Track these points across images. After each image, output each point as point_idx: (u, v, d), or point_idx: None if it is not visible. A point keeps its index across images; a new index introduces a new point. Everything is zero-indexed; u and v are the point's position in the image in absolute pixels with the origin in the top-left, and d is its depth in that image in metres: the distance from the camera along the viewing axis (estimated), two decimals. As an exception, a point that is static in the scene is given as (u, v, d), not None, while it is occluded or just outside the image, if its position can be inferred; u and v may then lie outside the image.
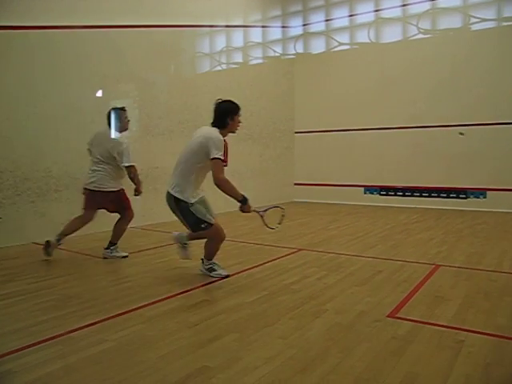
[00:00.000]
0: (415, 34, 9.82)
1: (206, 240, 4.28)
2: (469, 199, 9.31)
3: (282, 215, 4.37)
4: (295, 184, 11.58)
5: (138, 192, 5.37)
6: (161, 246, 5.91)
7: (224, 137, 4.07)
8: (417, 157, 9.77)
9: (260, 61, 10.70)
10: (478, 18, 9.12)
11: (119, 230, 5.41)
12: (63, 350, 2.72)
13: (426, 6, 9.61)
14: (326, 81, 11.00)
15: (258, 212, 4.17)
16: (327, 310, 3.38)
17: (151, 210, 7.70)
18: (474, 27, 9.22)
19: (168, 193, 4.15)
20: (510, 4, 8.81)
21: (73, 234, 5.32)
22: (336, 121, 10.80)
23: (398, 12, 9.97)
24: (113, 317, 3.27)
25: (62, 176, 6.57)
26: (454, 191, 9.47)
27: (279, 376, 2.35)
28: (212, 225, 4.12)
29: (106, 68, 7.12)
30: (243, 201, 4.00)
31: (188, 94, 8.54)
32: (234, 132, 4.23)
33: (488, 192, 9.12)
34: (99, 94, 7.17)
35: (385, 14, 10.13)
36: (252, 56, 10.42)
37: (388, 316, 3.23)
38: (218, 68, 9.55)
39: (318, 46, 11.20)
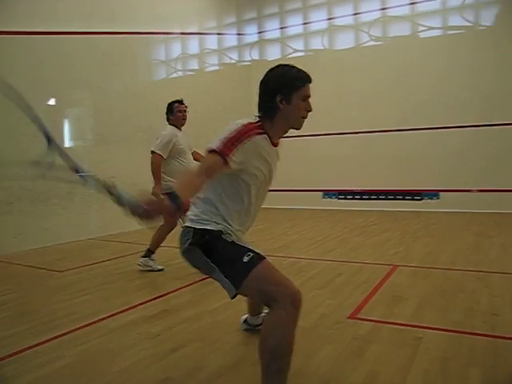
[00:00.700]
0: (367, 41, 10.10)
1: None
2: (423, 201, 9.61)
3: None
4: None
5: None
6: (119, 257, 5.78)
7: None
8: (373, 161, 10.01)
9: (216, 68, 10.71)
10: (425, 26, 9.48)
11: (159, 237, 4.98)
12: (18, 369, 2.61)
13: (377, 14, 9.90)
14: (283, 87, 11.12)
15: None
16: (289, 314, 3.39)
17: (109, 221, 7.52)
18: (422, 35, 9.57)
19: None
20: (455, 14, 9.21)
21: None
22: (293, 127, 10.93)
23: (350, 20, 10.23)
24: (71, 331, 3.17)
25: (13, 188, 6.32)
26: (409, 193, 9.75)
27: (244, 383, 2.34)
28: None
29: (58, 76, 6.93)
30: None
31: (144, 102, 8.42)
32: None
33: (441, 193, 9.45)
34: (52, 102, 6.98)
35: (338, 22, 10.36)
36: (208, 63, 10.42)
37: (349, 317, 3.29)
38: (174, 75, 9.49)
39: (273, 53, 11.32)
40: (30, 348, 2.90)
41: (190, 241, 2.21)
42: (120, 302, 3.81)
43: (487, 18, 9.01)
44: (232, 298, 2.20)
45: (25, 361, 2.72)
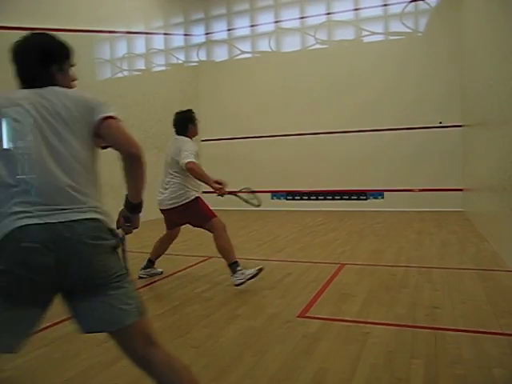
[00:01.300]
0: (313, 44, 10.30)
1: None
2: (369, 200, 9.90)
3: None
4: (204, 192, 11.53)
5: None
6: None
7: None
8: (320, 162, 10.20)
9: (163, 68, 10.56)
10: (368, 31, 9.79)
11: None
12: (-48, 384, 2.45)
13: (323, 18, 10.12)
14: (230, 88, 11.13)
15: None
16: (239, 315, 3.40)
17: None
18: (366, 39, 9.88)
19: None
20: (395, 20, 9.56)
21: None
22: (241, 128, 10.95)
23: (296, 23, 10.39)
24: (10, 342, 3.01)
25: None
26: (355, 193, 10.02)
27: (193, 386, 2.31)
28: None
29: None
30: None
31: (88, 102, 8.17)
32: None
33: (385, 193, 9.77)
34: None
35: (284, 25, 10.51)
36: (155, 63, 10.25)
37: (298, 316, 3.33)
38: (120, 75, 9.27)
39: (220, 54, 11.32)
40: (-35, 362, 2.73)
41: None
42: (63, 310, 3.65)
43: (424, 25, 9.44)
44: None
45: (-41, 376, 2.56)
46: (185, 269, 4.98)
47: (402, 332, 2.95)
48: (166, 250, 4.77)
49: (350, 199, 10.05)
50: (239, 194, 4.77)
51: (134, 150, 1.73)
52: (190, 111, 4.72)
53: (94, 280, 1.64)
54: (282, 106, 10.49)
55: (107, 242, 1.66)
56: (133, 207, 1.90)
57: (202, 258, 5.49)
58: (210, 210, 4.40)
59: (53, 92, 1.76)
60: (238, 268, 4.05)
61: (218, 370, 2.49)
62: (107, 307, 1.69)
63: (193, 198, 4.32)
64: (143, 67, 9.93)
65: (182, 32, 11.15)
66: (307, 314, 3.37)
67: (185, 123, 4.61)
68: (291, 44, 10.48)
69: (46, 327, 3.26)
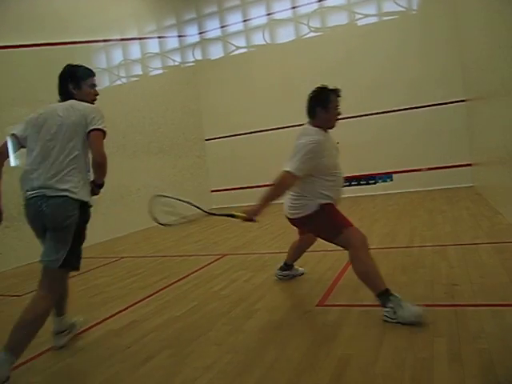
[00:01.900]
0: (307, 33, 10.25)
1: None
2: (378, 184, 9.87)
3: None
4: (212, 191, 11.58)
5: None
6: (81, 274, 5.61)
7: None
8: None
9: (160, 71, 10.58)
10: (361, 14, 9.72)
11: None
12: (-17, 401, 2.50)
13: (315, 6, 10.07)
14: (229, 85, 11.13)
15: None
16: (258, 309, 3.41)
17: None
18: (360, 23, 9.81)
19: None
20: (388, 0, 9.48)
21: None
22: (244, 123, 10.95)
23: (289, 13, 10.35)
24: (37, 355, 3.06)
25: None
26: (363, 178, 9.98)
27: (219, 383, 2.34)
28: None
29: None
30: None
31: (90, 113, 8.20)
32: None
33: (394, 175, 9.73)
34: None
35: (277, 16, 10.47)
36: (151, 67, 10.27)
37: (317, 305, 3.34)
38: (118, 82, 9.30)
39: (216, 52, 11.31)
40: (-6, 378, 2.78)
41: None
42: (85, 320, 3.70)
43: (418, 2, 9.35)
44: None
45: (-10, 392, 2.61)
46: (200, 268, 5.00)
47: (423, 312, 2.94)
48: (301, 254, 4.12)
49: (358, 184, 10.02)
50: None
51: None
52: (324, 88, 3.64)
53: None
54: (283, 97, 10.47)
55: None
56: (97, 185, 3.05)
57: (217, 257, 5.51)
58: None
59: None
60: (390, 301, 2.85)
61: (241, 365, 2.51)
62: None
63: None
64: (140, 72, 9.96)
65: (175, 34, 11.16)
66: (326, 303, 3.38)
67: (312, 105, 3.61)
68: (285, 35, 10.45)
69: (71, 338, 3.31)
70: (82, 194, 2.90)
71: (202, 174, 11.45)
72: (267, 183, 11.01)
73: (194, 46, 11.42)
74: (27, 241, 6.74)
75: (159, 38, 10.55)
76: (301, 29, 10.29)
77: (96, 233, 7.70)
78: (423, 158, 9.39)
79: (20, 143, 3.16)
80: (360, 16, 9.76)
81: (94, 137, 2.89)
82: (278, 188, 3.34)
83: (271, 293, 3.80)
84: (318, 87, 3.61)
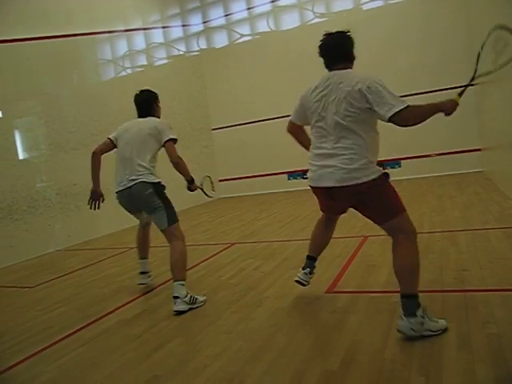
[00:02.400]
0: (312, 19, 10.14)
1: None
2: (386, 170, 9.80)
3: (211, 182, 4.46)
4: (220, 180, 11.59)
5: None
6: (90, 265, 5.68)
7: None
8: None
9: (165, 61, 10.54)
10: (367, -3, 9.60)
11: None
12: (-2, 390, 2.55)
13: (319, -10, 9.95)
14: (235, 73, 11.06)
15: (199, 187, 4.12)
16: (267, 297, 3.43)
17: (76, 230, 7.38)
18: (365, 7, 9.68)
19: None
20: (395, -18, 9.35)
21: None
22: (250, 112, 10.90)
23: (293, 0, 10.24)
24: (49, 346, 3.11)
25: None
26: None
27: (229, 370, 2.36)
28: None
29: (1, 86, 6.66)
30: (191, 181, 3.94)
31: (97, 104, 8.23)
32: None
33: (402, 161, 9.66)
34: (-2, 115, 6.73)
35: (281, 3, 10.36)
36: (156, 57, 10.24)
37: (326, 292, 3.35)
38: (123, 73, 9.29)
39: (220, 40, 11.23)
40: (9, 368, 2.83)
41: None
42: (96, 310, 3.75)
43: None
44: None
45: (5, 382, 2.65)
46: (209, 257, 5.03)
47: (432, 297, 2.94)
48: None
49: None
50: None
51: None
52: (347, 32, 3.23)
53: None
54: (289, 84, 10.38)
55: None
56: (187, 181, 3.94)
57: (226, 246, 5.53)
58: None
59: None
60: (420, 308, 2.46)
61: (251, 352, 2.53)
62: None
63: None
64: (145, 63, 9.93)
65: (179, 23, 11.10)
66: (335, 290, 3.38)
67: (345, 47, 3.15)
68: (290, 21, 10.33)
69: (81, 328, 3.36)
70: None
71: (210, 164, 11.44)
72: (275, 172, 10.98)
73: (198, 34, 11.35)
74: (37, 234, 6.84)
75: (163, 27, 10.51)
76: (305, 15, 10.18)
77: (105, 224, 7.79)
78: (431, 143, 9.30)
79: None
80: (365, 0, 9.62)
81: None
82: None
83: (280, 280, 3.81)
84: (341, 32, 3.07)
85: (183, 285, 3.42)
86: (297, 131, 3.22)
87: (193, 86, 11.10)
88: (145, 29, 9.88)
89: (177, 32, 10.96)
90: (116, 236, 7.58)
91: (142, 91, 4.27)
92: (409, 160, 9.57)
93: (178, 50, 10.97)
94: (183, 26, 11.14)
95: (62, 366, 2.75)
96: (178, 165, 3.77)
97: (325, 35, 2.97)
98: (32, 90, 7.18)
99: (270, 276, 3.98)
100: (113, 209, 7.53)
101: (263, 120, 10.83)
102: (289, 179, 10.66)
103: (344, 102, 2.65)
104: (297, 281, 3.27)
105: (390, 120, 2.62)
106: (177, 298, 3.34)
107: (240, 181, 11.16)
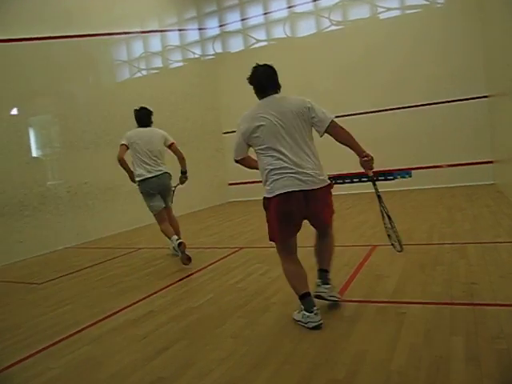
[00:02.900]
0: (328, 26, 10.15)
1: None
2: (396, 180, 9.77)
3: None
4: (229, 184, 11.60)
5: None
6: (98, 264, 5.71)
7: None
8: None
9: (180, 64, 10.61)
10: (383, 7, 9.58)
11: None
12: (4, 385, 2.56)
13: (336, -1, 9.96)
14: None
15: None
16: (274, 303, 3.42)
17: (85, 228, 7.42)
18: (382, 16, 9.67)
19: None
20: (412, -8, 9.34)
21: None
22: (263, 117, 10.91)
23: (310, 7, 10.25)
24: (56, 343, 3.12)
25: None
26: (381, 174, 9.89)
27: (234, 375, 2.36)
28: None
29: (17, 84, 6.75)
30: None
31: (110, 104, 8.29)
32: None
33: (413, 171, 9.61)
34: (14, 111, 6.80)
35: (298, 9, 10.38)
36: (172, 60, 10.31)
37: (333, 300, 3.32)
38: (138, 75, 9.36)
39: (236, 45, 11.28)
40: (15, 364, 2.84)
41: None
42: (103, 309, 3.77)
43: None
44: None
45: (12, 377, 2.67)
46: (217, 261, 5.03)
47: (440, 310, 2.91)
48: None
49: (377, 180, 9.88)
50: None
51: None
52: None
53: None
54: (302, 91, 10.33)
55: None
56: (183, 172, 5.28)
57: (233, 250, 5.53)
58: None
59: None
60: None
61: (257, 357, 2.52)
62: None
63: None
64: (161, 65, 10.00)
65: (196, 26, 11.17)
66: (342, 297, 3.36)
67: (277, 77, 3.43)
68: (306, 28, 10.34)
69: (87, 326, 3.37)
70: None
71: (220, 167, 11.47)
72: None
73: (214, 38, 11.41)
74: (47, 230, 6.90)
75: (180, 30, 10.58)
76: (322, 22, 10.19)
77: (114, 223, 7.83)
78: (443, 154, 9.25)
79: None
80: (382, 9, 9.62)
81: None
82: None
83: (287, 287, 3.77)
84: (269, 64, 3.48)
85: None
86: (245, 160, 3.44)
87: (206, 90, 11.15)
88: (161, 31, 9.95)
89: (193, 35, 11.03)
90: (124, 236, 7.61)
91: (142, 107, 5.63)
92: (419, 170, 9.51)
93: (194, 53, 11.03)
94: (199, 29, 11.21)
95: (67, 363, 2.77)
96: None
97: (255, 67, 3.34)
98: (47, 89, 7.26)
99: (277, 282, 3.96)
100: (121, 209, 7.60)
101: (275, 125, 10.83)
102: (298, 185, 10.64)
103: (297, 118, 3.10)
104: (316, 296, 3.18)
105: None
106: (180, 242, 4.89)
107: (249, 185, 11.16)
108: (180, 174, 5.56)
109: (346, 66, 9.90)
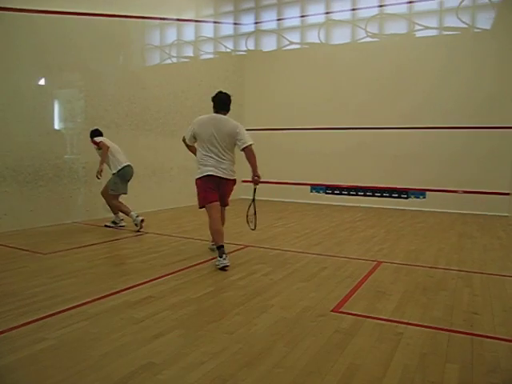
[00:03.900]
0: (363, 37, 10.10)
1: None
2: (410, 199, 9.70)
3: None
4: (243, 181, 11.61)
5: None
6: (105, 242, 5.75)
7: None
8: (362, 157, 10.05)
9: (211, 56, 10.63)
10: (421, 25, 9.50)
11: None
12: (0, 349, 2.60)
13: (375, 11, 9.89)
14: (276, 79, 11.09)
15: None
16: (273, 305, 3.42)
17: (95, 205, 7.48)
18: (418, 34, 9.59)
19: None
20: (451, 15, 9.24)
21: None
22: (285, 119, 10.91)
23: (347, 15, 10.21)
24: (53, 314, 3.16)
25: (-1, 167, 6.23)
26: (396, 191, 9.83)
27: (225, 371, 2.36)
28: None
29: (48, 55, 6.82)
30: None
31: (136, 87, 8.35)
32: None
33: (428, 192, 9.54)
34: (41, 82, 6.88)
35: (335, 17, 10.34)
36: (203, 51, 10.33)
37: (332, 311, 3.32)
38: (168, 61, 9.40)
39: (268, 44, 11.27)
40: (11, 329, 2.88)
41: None
42: (104, 287, 3.80)
43: (483, 20, 9.05)
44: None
45: (7, 342, 2.71)
46: (221, 256, 5.03)
47: (438, 335, 2.89)
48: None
49: (390, 197, 9.87)
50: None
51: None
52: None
53: None
54: (328, 99, 10.37)
55: None
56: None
57: (239, 247, 5.54)
58: None
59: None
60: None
61: (249, 357, 2.53)
62: None
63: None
64: (191, 54, 10.03)
65: (231, 21, 11.18)
66: (341, 309, 3.35)
67: (229, 104, 4.96)
68: (341, 36, 10.30)
69: (86, 302, 3.40)
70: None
71: (236, 163, 11.46)
72: (298, 182, 11.01)
73: (247, 35, 11.41)
74: (58, 202, 6.97)
75: (215, 22, 10.60)
76: (357, 32, 10.14)
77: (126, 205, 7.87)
78: (460, 179, 9.17)
79: None
80: (419, 27, 9.54)
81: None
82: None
83: (288, 291, 3.80)
84: (227, 93, 4.95)
85: None
86: (191, 147, 5.05)
87: (232, 85, 11.14)
88: (196, 21, 9.98)
89: (227, 29, 11.04)
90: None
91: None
92: (434, 193, 9.44)
93: (226, 47, 11.05)
94: (234, 24, 11.22)
95: (63, 336, 2.80)
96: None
97: (220, 92, 4.89)
98: (76, 64, 7.33)
99: (278, 284, 3.97)
100: (133, 192, 7.64)
101: (295, 129, 10.83)
102: (311, 191, 10.63)
103: (227, 136, 4.65)
104: (222, 267, 4.42)
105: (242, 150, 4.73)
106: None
107: (263, 184, 11.15)
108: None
109: (376, 79, 9.84)
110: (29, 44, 6.53)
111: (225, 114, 4.81)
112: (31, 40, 6.56)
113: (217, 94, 4.84)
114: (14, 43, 6.35)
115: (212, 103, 4.84)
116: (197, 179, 4.71)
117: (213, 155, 4.65)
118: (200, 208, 4.79)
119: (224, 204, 5.00)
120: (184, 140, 4.96)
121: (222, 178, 4.69)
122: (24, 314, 3.14)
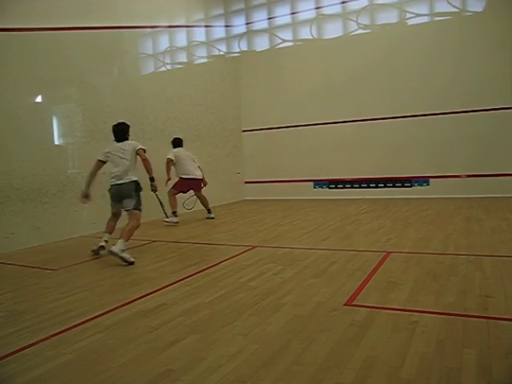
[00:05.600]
0: (355, 30, 10.10)
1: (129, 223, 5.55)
2: (413, 187, 9.69)
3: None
4: (246, 182, 11.63)
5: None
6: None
7: None
8: (363, 149, 10.05)
9: (204, 60, 10.66)
10: (412, 13, 9.50)
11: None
12: (17, 368, 2.60)
13: (365, 2, 9.91)
14: (271, 77, 11.11)
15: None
16: (286, 303, 3.42)
17: (101, 217, 7.48)
18: (410, 22, 9.59)
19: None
20: (441, 0, 9.23)
21: None
22: (283, 117, 10.93)
23: (338, 9, 10.23)
24: (69, 329, 3.17)
25: (3, 187, 6.24)
26: (399, 181, 9.82)
27: (243, 372, 2.37)
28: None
29: (43, 72, 6.84)
30: (152, 178, 5.81)
31: (132, 97, 8.37)
32: None
33: (431, 179, 9.53)
34: (39, 99, 6.90)
35: (325, 11, 10.35)
36: (196, 55, 10.36)
37: (345, 304, 3.32)
38: (163, 69, 9.43)
39: (261, 44, 11.30)
40: (28, 347, 2.89)
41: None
42: (116, 298, 3.81)
43: (473, 4, 9.04)
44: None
45: (24, 359, 2.72)
46: (230, 258, 5.05)
47: (453, 321, 2.89)
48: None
49: (394, 187, 9.87)
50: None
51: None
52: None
53: None
54: (325, 93, 10.38)
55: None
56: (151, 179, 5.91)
57: (247, 248, 5.54)
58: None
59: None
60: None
61: (266, 356, 2.53)
62: None
63: None
64: (185, 60, 10.06)
65: (222, 23, 11.21)
66: (354, 303, 3.36)
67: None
68: (333, 30, 10.32)
69: (100, 314, 3.42)
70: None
71: (238, 165, 11.51)
72: (301, 179, 11.01)
73: (240, 36, 11.44)
74: (64, 218, 6.99)
75: (206, 26, 10.63)
76: (349, 25, 10.15)
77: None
78: (463, 164, 9.16)
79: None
80: (411, 15, 9.53)
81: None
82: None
83: (299, 288, 3.80)
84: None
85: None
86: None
87: (227, 87, 11.18)
88: (188, 26, 10.01)
89: (219, 32, 11.08)
90: (140, 228, 7.66)
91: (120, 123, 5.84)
92: (438, 179, 9.43)
93: (219, 50, 11.08)
94: (226, 26, 11.25)
95: (79, 349, 2.81)
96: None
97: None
98: (72, 78, 7.35)
99: (289, 282, 3.97)
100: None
101: (294, 126, 10.84)
102: (314, 187, 10.63)
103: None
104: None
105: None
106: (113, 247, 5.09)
107: (266, 184, 11.18)
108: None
109: (371, 70, 9.85)
110: (22, 62, 6.55)
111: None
112: (24, 58, 6.58)
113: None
114: (7, 62, 6.37)
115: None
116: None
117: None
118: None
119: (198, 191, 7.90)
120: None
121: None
122: (39, 331, 3.16)
